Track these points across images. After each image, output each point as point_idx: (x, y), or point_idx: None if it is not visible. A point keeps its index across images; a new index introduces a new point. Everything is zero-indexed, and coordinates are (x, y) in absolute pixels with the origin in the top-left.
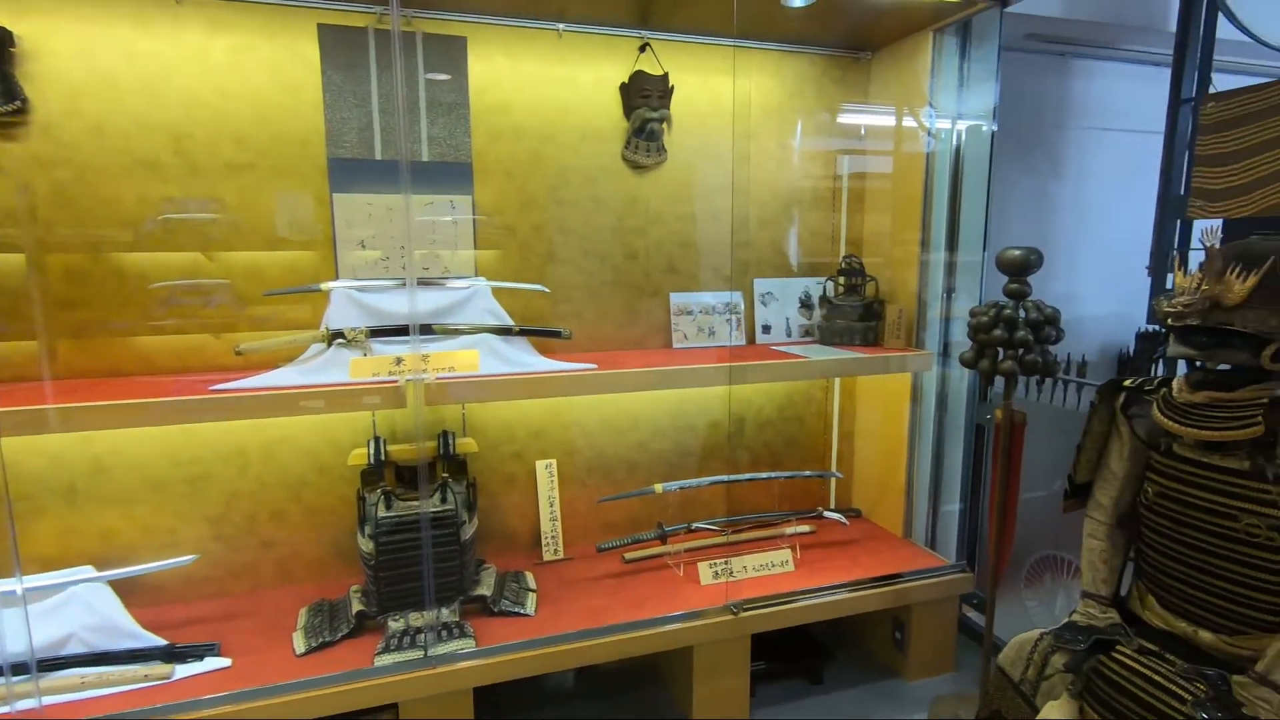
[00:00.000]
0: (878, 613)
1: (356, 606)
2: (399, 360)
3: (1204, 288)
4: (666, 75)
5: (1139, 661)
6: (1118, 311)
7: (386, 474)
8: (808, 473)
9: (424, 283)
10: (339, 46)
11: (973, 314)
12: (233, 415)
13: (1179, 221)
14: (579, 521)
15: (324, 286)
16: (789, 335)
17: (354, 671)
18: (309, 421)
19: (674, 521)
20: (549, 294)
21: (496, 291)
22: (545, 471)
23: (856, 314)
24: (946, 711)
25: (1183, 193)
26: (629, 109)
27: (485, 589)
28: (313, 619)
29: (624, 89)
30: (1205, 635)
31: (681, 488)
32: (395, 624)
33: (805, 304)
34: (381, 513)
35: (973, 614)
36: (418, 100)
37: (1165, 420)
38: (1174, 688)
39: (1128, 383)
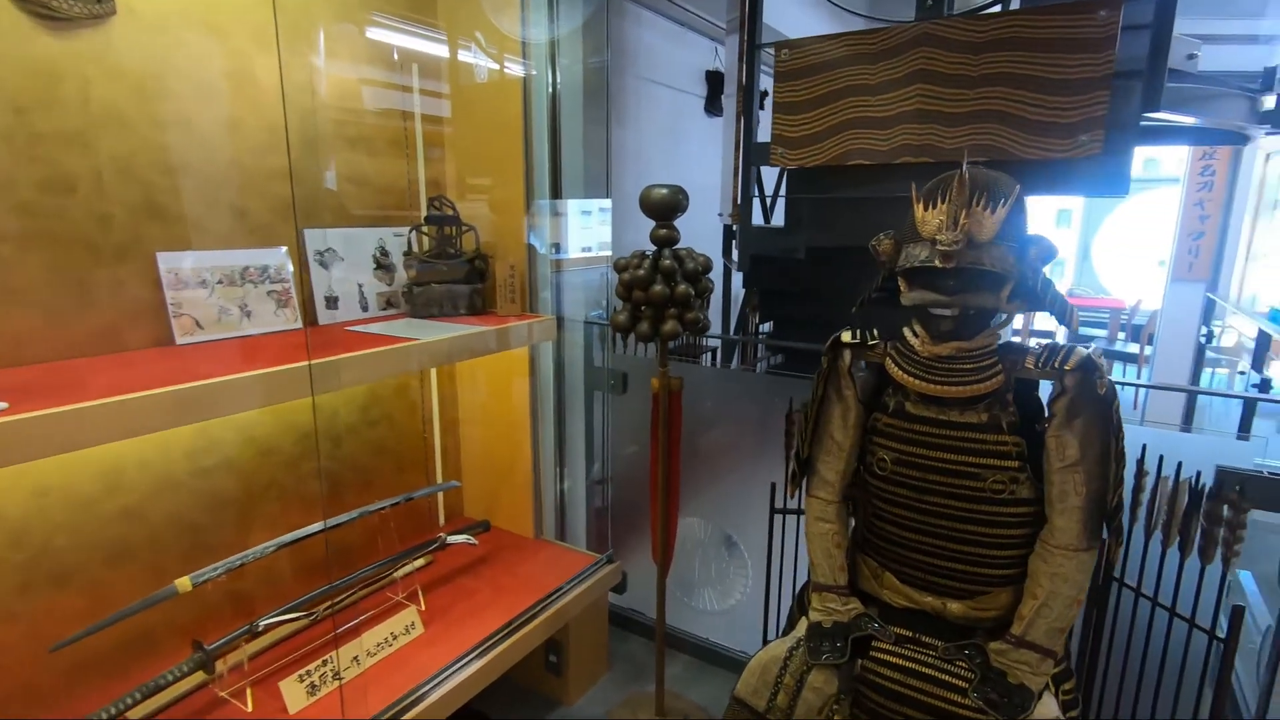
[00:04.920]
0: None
1: None
2: None
3: (963, 221)
4: None
5: (900, 655)
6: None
7: None
8: (422, 491)
9: None
10: None
11: (621, 267)
12: None
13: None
14: (19, 679)
15: None
16: (366, 309)
17: None
18: None
19: (226, 626)
20: None
21: None
22: None
23: (458, 274)
24: None
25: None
26: None
27: None
28: None
29: None
30: (954, 606)
31: (230, 569)
32: None
33: (382, 264)
34: None
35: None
36: None
37: (910, 379)
38: (946, 677)
39: (847, 337)
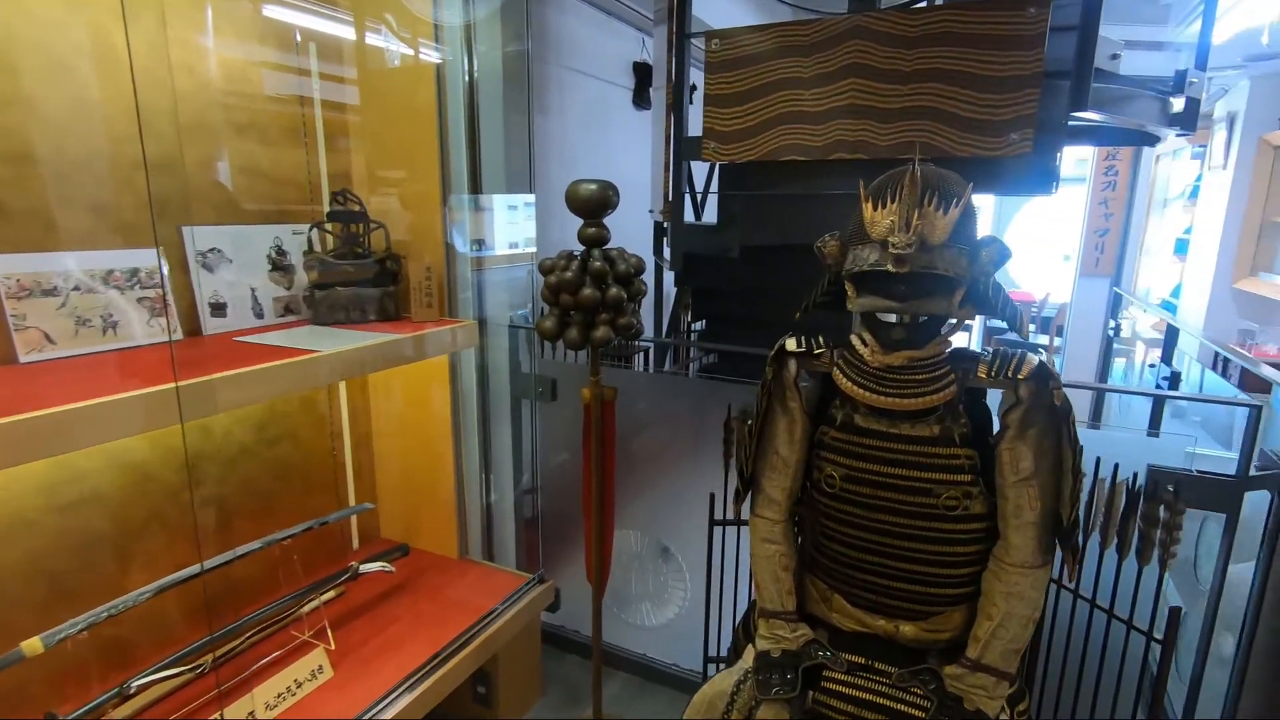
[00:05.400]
0: None
1: None
2: None
3: (916, 222)
4: None
5: (853, 685)
6: None
7: None
8: (332, 517)
9: None
10: None
11: (546, 269)
12: None
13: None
14: None
15: None
16: (260, 316)
17: None
18: None
19: (93, 689)
20: None
21: None
22: None
23: (367, 275)
24: None
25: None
26: None
27: None
28: None
29: None
30: (907, 628)
31: (91, 625)
32: None
33: (279, 265)
34: None
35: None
36: None
37: (860, 391)
38: (902, 707)
39: (792, 346)
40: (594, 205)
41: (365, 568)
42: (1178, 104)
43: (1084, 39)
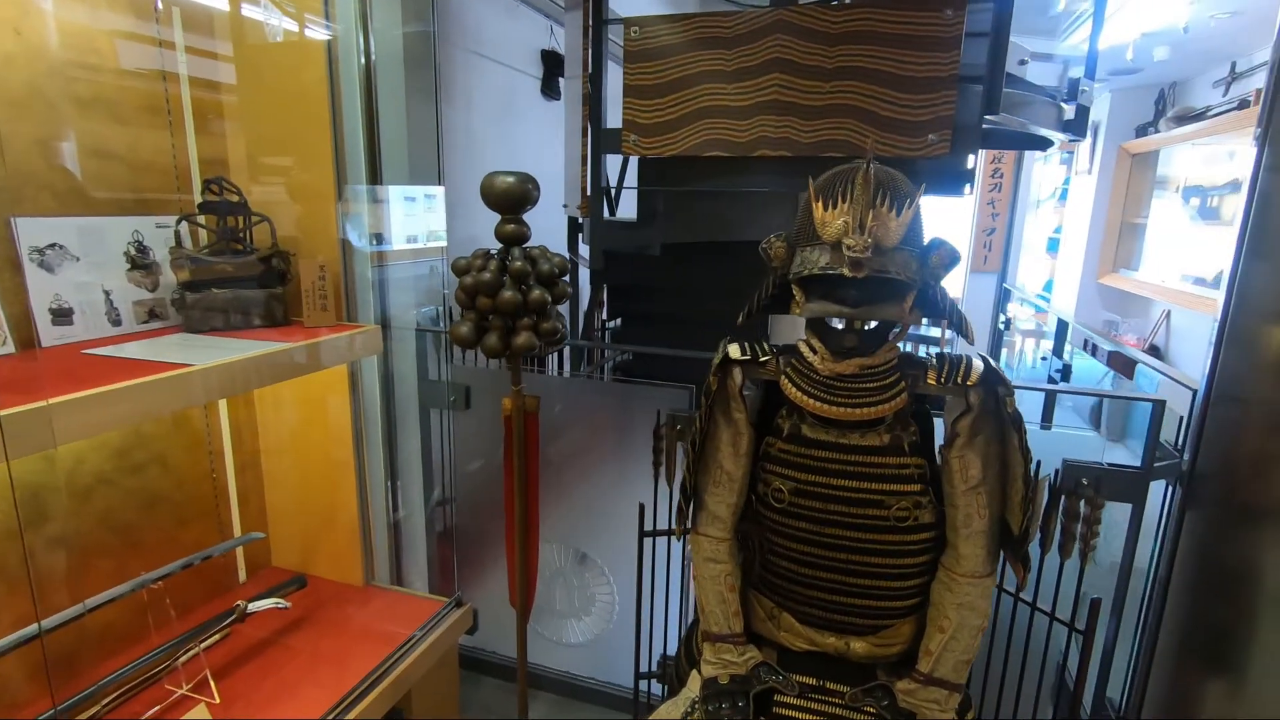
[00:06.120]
0: None
1: None
2: None
3: (871, 223)
4: None
5: (805, 709)
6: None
7: None
8: (215, 549)
9: None
10: None
11: (461, 269)
12: None
13: (616, 159)
14: None
15: None
16: (118, 323)
17: None
18: None
19: None
20: None
21: None
22: None
23: (250, 275)
24: None
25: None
26: None
27: None
28: None
29: None
30: (858, 645)
31: None
32: None
33: (140, 263)
34: None
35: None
36: None
37: (810, 401)
38: None
39: (736, 353)
40: (514, 199)
41: (255, 606)
42: (1069, 111)
43: (996, 43)
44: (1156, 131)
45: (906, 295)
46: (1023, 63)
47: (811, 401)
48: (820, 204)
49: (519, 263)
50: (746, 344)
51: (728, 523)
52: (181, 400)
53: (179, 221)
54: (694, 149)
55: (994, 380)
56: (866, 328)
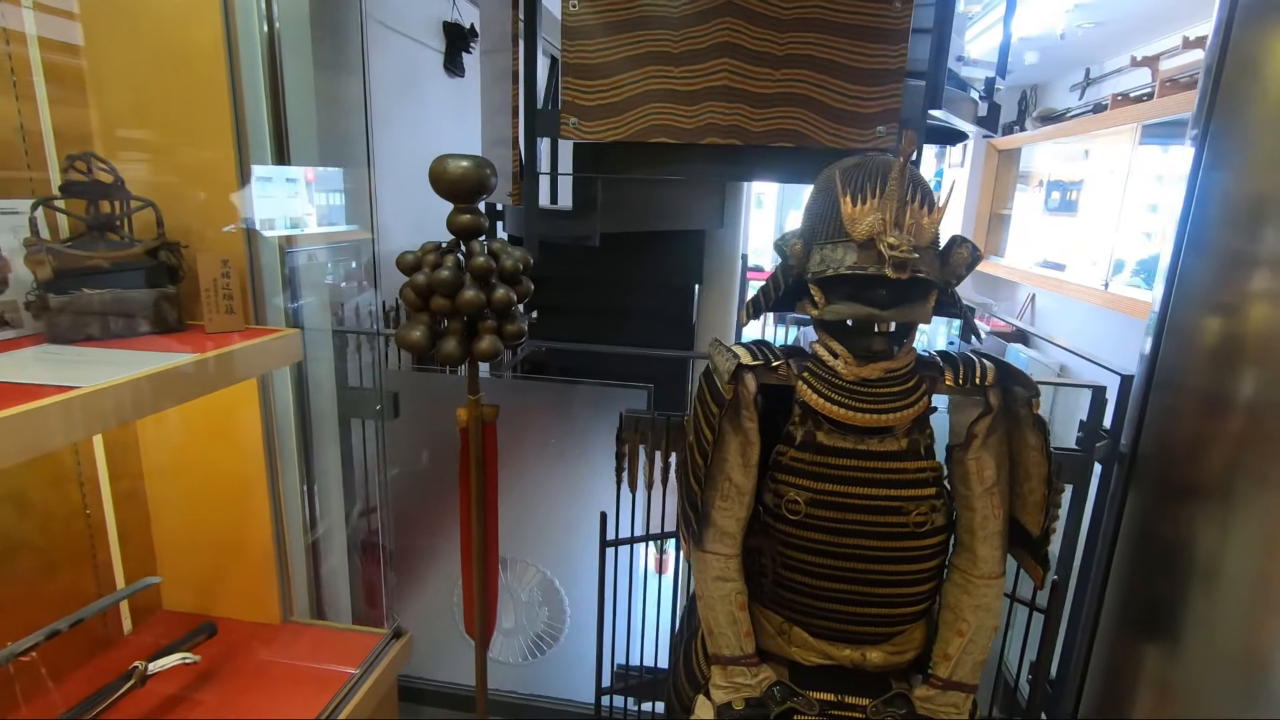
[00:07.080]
0: None
1: None
2: None
3: (909, 221)
4: None
5: None
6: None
7: None
8: (97, 605)
9: None
10: None
11: (410, 265)
12: None
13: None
14: None
15: None
16: None
17: None
18: None
19: None
20: None
21: None
22: None
23: (133, 271)
24: None
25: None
26: None
27: None
28: None
29: None
30: (874, 655)
31: None
32: None
33: None
34: None
35: None
36: None
37: (834, 408)
38: None
39: (747, 358)
40: (469, 186)
41: (156, 666)
42: (983, 108)
43: (939, 38)
44: (1022, 130)
45: (931, 296)
46: (960, 59)
47: (836, 408)
48: (849, 199)
49: (482, 258)
50: (754, 348)
51: (736, 538)
52: (49, 440)
53: (35, 206)
54: (639, 134)
55: (1009, 380)
56: (891, 329)
